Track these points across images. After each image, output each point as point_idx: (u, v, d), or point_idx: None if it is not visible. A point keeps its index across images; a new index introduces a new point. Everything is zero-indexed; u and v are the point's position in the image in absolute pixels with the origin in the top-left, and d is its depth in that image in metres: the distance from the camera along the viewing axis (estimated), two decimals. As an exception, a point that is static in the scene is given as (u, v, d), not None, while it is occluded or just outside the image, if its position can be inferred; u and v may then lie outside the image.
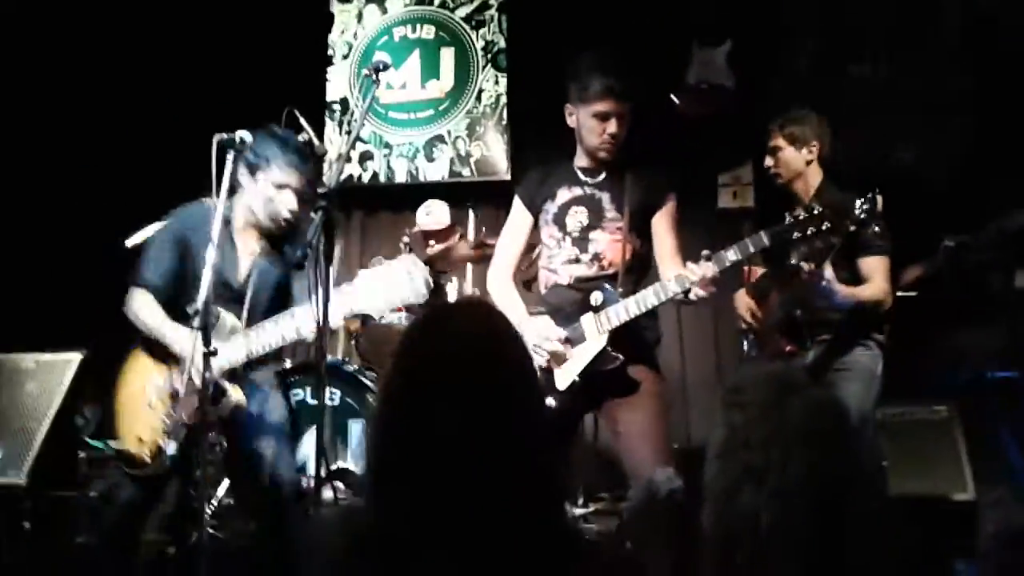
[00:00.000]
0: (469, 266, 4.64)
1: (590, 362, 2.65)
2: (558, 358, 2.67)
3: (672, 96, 5.05)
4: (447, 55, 5.61)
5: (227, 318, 2.70)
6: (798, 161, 3.23)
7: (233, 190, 2.72)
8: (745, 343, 3.55)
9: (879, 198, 2.59)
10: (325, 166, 5.06)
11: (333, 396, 3.80)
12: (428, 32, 5.68)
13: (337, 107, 5.69)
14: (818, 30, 5.07)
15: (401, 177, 5.55)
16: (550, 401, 2.66)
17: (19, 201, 4.92)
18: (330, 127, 5.63)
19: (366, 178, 5.59)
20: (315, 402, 3.74)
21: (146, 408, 2.75)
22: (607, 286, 2.69)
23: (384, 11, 5.77)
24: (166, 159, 4.91)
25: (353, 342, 4.14)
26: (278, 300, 2.86)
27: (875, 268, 3.08)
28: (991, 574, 2.83)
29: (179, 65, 5.41)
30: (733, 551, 1.27)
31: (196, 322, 2.39)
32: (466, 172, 5.45)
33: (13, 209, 4.85)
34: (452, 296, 4.46)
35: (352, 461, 3.75)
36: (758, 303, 3.41)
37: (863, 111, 4.94)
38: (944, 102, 4.81)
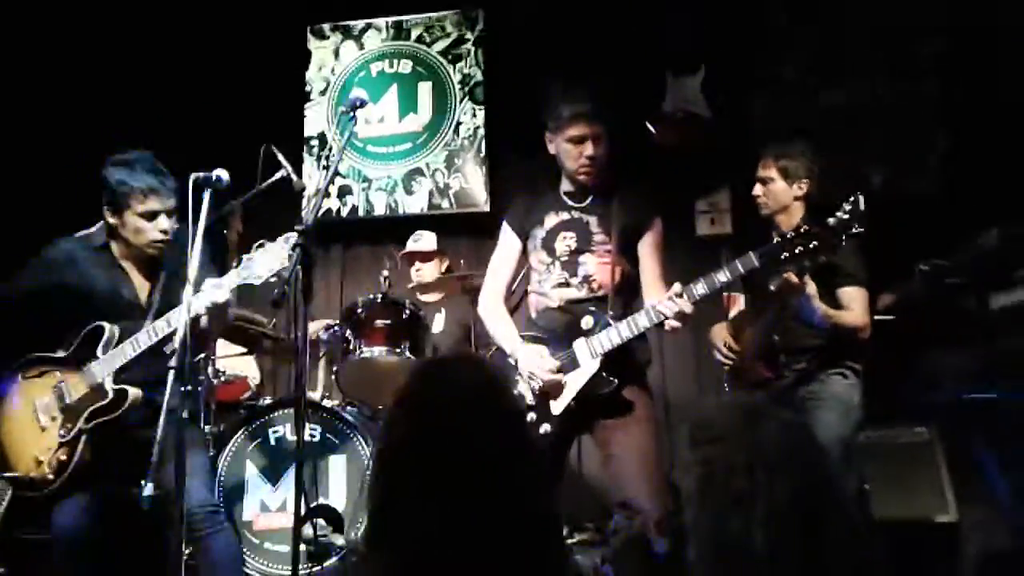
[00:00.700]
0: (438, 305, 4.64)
1: (584, 386, 2.65)
2: (554, 389, 2.67)
3: (648, 124, 5.10)
4: (424, 89, 5.65)
5: (113, 330, 2.80)
6: (787, 195, 3.23)
7: (111, 230, 2.86)
8: (724, 381, 3.55)
9: (862, 198, 2.61)
10: (303, 201, 5.08)
11: (313, 433, 3.77)
12: (405, 67, 5.72)
13: (315, 142, 5.70)
14: (792, 56, 5.16)
15: (380, 210, 5.56)
16: (546, 427, 2.66)
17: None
18: (308, 162, 5.64)
19: (345, 212, 5.59)
20: (294, 439, 3.70)
21: (36, 432, 2.78)
22: (596, 311, 2.70)
23: (361, 47, 5.81)
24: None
25: (333, 377, 4.11)
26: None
27: (854, 298, 3.11)
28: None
29: (157, 103, 5.41)
30: None
31: (174, 362, 2.39)
32: (445, 204, 5.47)
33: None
34: (437, 327, 4.46)
35: (332, 498, 3.71)
36: (735, 338, 3.41)
37: (837, 137, 5.03)
38: (918, 127, 4.89)
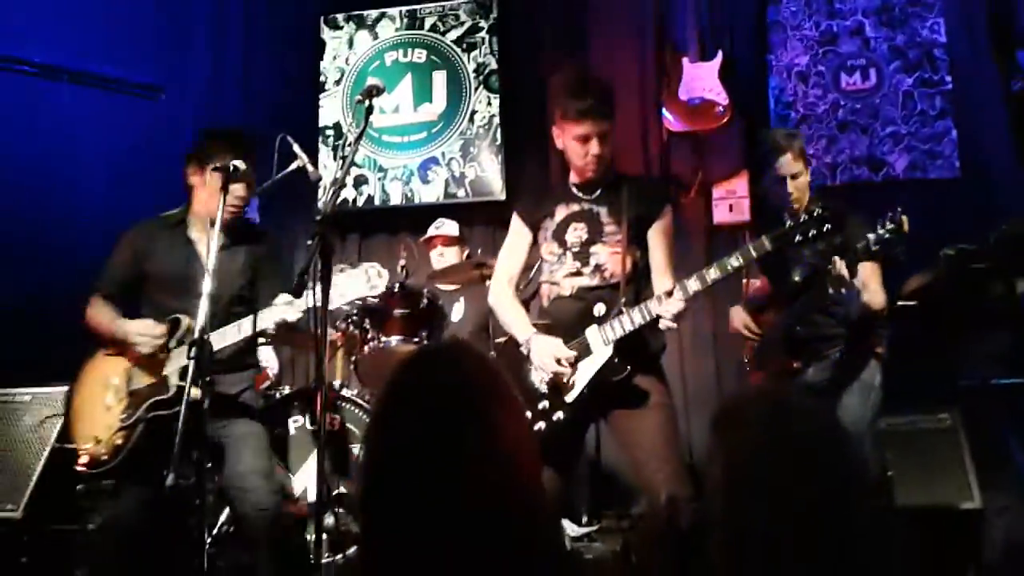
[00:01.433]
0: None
1: (597, 373, 2.64)
2: (565, 383, 2.67)
3: (664, 111, 5.07)
4: (439, 78, 5.64)
5: (190, 324, 2.81)
6: (807, 180, 3.17)
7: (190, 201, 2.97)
8: (746, 359, 3.53)
9: (904, 218, 2.59)
10: (320, 191, 5.08)
11: (333, 422, 3.77)
12: (420, 56, 5.70)
13: (331, 132, 5.70)
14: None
15: (396, 200, 5.55)
16: (560, 415, 2.65)
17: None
18: (324, 152, 5.64)
19: (361, 201, 5.59)
20: (314, 428, 3.71)
21: (103, 409, 2.81)
22: (609, 297, 2.69)
23: (375, 36, 5.80)
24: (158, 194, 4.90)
25: (352, 366, 4.11)
26: (242, 294, 2.99)
27: (870, 274, 3.07)
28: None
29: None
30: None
31: (192, 352, 2.44)
32: (461, 193, 5.46)
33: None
34: (456, 316, 4.45)
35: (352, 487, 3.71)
36: (754, 317, 3.39)
37: (855, 121, 4.99)
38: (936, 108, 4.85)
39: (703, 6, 5.22)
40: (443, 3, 5.70)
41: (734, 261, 2.56)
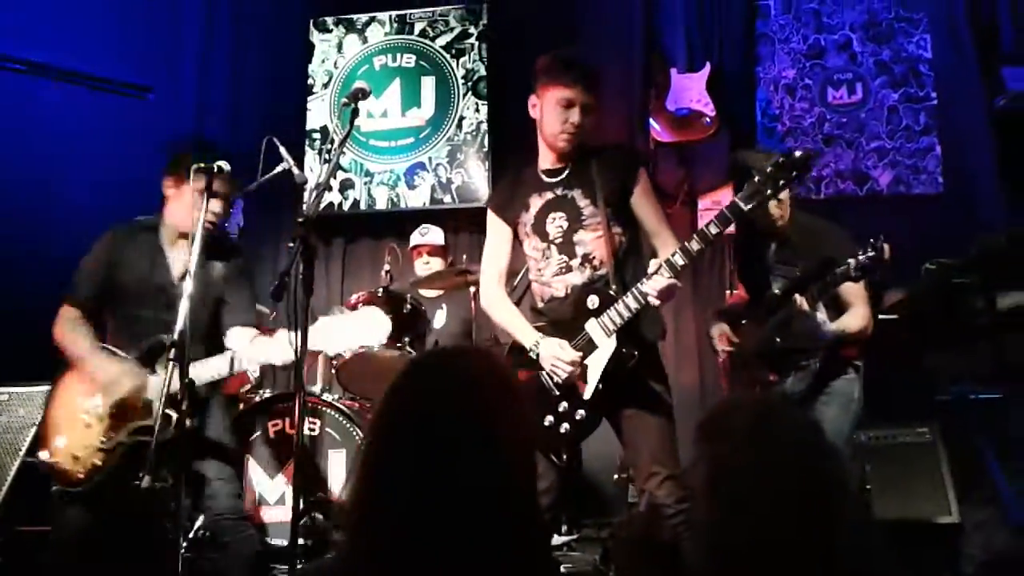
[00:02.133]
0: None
1: (607, 365, 2.62)
2: (579, 381, 2.65)
3: (652, 121, 5.08)
4: (427, 83, 5.64)
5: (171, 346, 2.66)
6: (788, 197, 3.15)
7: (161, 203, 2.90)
8: (723, 372, 3.53)
9: (886, 246, 2.59)
10: (305, 194, 5.06)
11: (313, 427, 3.75)
12: (408, 61, 5.70)
13: (317, 136, 5.69)
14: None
15: (382, 204, 5.54)
16: (581, 414, 2.64)
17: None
18: (310, 155, 5.62)
19: (347, 206, 5.58)
20: (293, 432, 3.69)
21: (82, 426, 2.75)
22: (600, 288, 2.67)
23: (364, 40, 5.79)
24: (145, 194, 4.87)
25: (333, 370, 4.09)
26: (215, 308, 2.94)
27: (856, 294, 3.08)
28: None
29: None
30: None
31: (172, 354, 2.43)
32: (447, 199, 5.45)
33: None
34: (439, 322, 4.44)
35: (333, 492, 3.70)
36: (733, 328, 3.39)
37: (840, 135, 5.02)
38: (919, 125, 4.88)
39: (692, 18, 5.25)
40: (433, 8, 5.71)
41: (712, 228, 2.53)
